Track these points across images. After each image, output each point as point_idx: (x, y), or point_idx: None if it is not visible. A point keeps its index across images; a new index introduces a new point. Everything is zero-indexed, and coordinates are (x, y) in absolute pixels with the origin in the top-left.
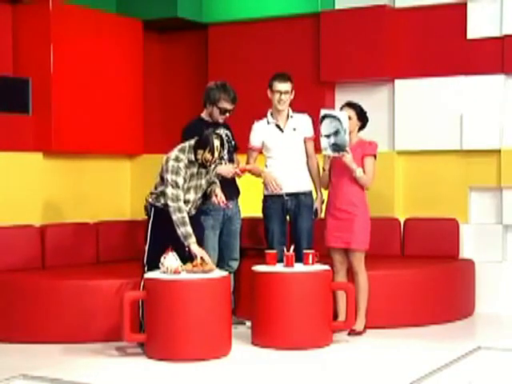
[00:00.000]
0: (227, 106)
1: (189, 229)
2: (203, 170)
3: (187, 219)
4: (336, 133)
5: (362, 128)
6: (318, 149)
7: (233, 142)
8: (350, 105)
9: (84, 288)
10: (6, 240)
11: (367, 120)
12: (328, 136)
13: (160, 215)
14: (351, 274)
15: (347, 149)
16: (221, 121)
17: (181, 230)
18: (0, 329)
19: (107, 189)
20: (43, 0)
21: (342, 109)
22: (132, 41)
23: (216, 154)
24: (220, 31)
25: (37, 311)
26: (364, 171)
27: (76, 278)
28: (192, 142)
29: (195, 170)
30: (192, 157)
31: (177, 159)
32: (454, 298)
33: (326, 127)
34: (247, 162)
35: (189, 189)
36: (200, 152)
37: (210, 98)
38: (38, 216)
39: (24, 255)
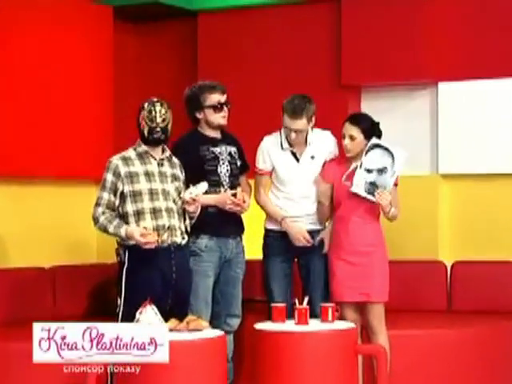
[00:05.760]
0: (220, 97)
1: (116, 223)
2: (168, 171)
3: (108, 216)
4: (381, 171)
5: None
6: None
7: (238, 163)
8: (353, 121)
9: None
10: None
11: (380, 133)
12: (369, 171)
13: (136, 257)
14: (367, 334)
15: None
16: (222, 122)
17: (112, 231)
18: None
19: (67, 223)
20: None
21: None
22: (99, 33)
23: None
24: (212, 20)
25: None
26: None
27: (27, 338)
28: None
29: (154, 168)
30: (142, 148)
31: (114, 155)
32: None
33: (373, 160)
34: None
35: (155, 194)
36: (147, 122)
37: (196, 104)
38: None
39: None
